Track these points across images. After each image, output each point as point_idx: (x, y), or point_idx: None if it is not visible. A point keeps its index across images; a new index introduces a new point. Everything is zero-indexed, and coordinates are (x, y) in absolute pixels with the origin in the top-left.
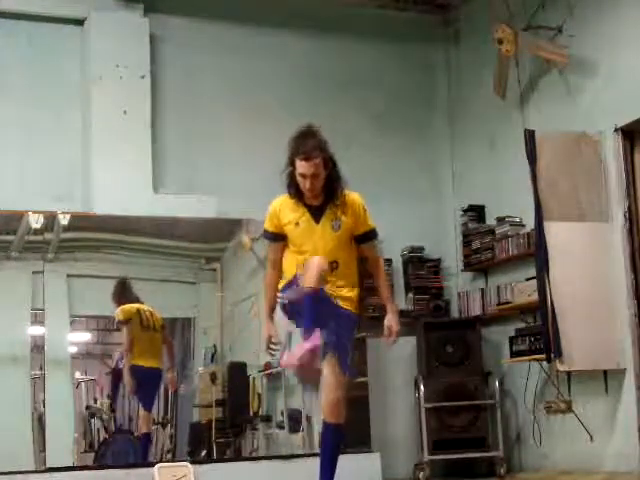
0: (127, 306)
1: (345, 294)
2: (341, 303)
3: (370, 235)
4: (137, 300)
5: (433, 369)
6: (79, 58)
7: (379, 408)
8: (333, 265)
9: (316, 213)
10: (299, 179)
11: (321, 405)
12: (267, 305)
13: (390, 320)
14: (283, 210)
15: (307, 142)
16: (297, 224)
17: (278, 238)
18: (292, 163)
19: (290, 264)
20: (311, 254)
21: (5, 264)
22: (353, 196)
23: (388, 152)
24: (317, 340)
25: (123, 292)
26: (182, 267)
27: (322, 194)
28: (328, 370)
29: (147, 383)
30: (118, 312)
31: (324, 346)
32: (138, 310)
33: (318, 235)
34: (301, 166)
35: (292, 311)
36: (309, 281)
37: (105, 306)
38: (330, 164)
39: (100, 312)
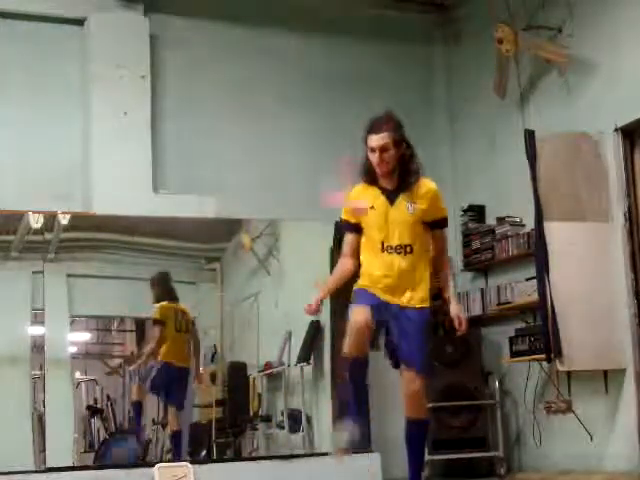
0: (165, 305)
1: (411, 292)
2: (408, 304)
3: (442, 223)
4: (174, 296)
5: (433, 369)
6: (79, 58)
7: (379, 408)
8: (407, 249)
9: (390, 196)
10: (370, 156)
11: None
12: (329, 286)
13: (455, 309)
14: (359, 197)
15: (380, 118)
16: (372, 207)
17: (356, 229)
18: (365, 142)
19: (369, 264)
20: (386, 237)
21: (5, 264)
22: (427, 182)
23: None
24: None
25: (164, 284)
26: (182, 267)
27: (396, 178)
28: (404, 374)
29: (179, 382)
30: (156, 310)
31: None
32: (175, 311)
33: (393, 217)
34: (370, 140)
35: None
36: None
37: (105, 306)
38: (402, 145)
39: (100, 312)
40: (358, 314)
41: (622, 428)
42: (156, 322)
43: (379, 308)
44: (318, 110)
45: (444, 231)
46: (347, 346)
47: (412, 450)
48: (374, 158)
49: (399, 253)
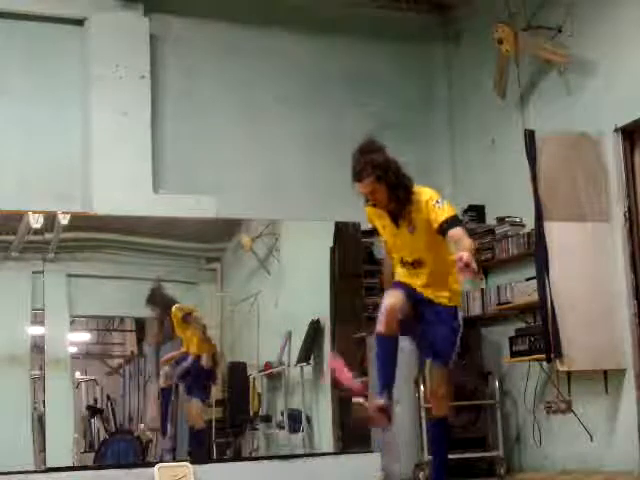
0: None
1: (438, 291)
2: (435, 300)
3: (445, 226)
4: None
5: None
6: (79, 58)
7: None
8: (420, 261)
9: (395, 218)
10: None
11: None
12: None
13: (462, 249)
14: (374, 216)
15: (357, 164)
16: (384, 227)
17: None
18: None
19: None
20: (400, 255)
21: (5, 264)
22: (420, 193)
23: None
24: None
25: (161, 294)
26: (182, 267)
27: (394, 200)
28: (432, 372)
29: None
30: (178, 308)
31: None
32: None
33: (400, 238)
34: (358, 187)
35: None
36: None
37: (105, 306)
38: (388, 175)
39: (100, 312)
40: (391, 297)
41: (622, 428)
42: (186, 316)
43: (414, 295)
44: (318, 110)
45: (456, 230)
46: (378, 325)
47: (435, 448)
48: (369, 198)
49: (415, 268)
